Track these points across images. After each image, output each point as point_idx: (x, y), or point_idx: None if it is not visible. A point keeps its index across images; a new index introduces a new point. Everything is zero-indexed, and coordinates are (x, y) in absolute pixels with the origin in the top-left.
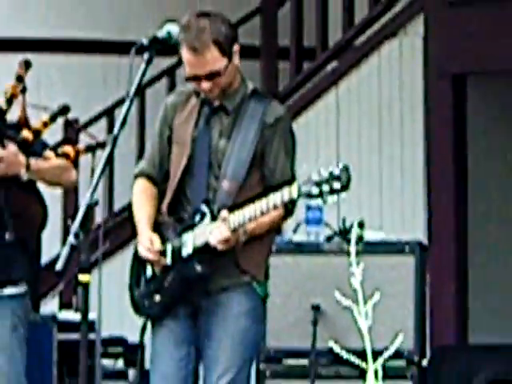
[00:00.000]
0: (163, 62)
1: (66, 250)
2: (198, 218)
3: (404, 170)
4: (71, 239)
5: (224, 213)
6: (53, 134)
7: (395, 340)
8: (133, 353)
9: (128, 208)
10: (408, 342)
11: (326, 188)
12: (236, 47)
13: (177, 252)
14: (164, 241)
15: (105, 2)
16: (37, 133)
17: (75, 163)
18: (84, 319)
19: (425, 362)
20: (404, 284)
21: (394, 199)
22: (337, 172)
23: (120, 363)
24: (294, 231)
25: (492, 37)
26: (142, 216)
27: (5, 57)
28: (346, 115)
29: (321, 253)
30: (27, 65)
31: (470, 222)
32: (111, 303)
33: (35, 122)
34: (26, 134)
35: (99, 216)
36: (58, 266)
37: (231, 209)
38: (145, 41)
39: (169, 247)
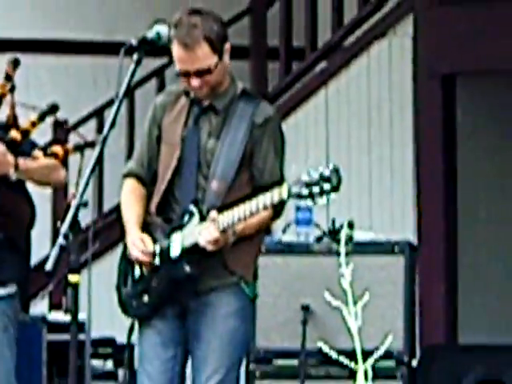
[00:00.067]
0: (152, 63)
1: (55, 251)
2: (186, 218)
3: (393, 171)
4: (61, 240)
5: (213, 213)
6: (42, 134)
7: (385, 340)
8: (122, 353)
9: (117, 209)
10: (398, 343)
11: (316, 189)
12: (227, 46)
13: (165, 252)
14: (153, 241)
15: (94, 3)
16: (25, 132)
17: (64, 163)
18: (74, 320)
19: (414, 363)
20: (393, 284)
21: (383, 200)
22: (327, 173)
23: (110, 364)
24: (284, 232)
25: (481, 37)
26: (131, 216)
27: None
28: (336, 116)
29: (310, 253)
30: (15, 63)
31: (459, 222)
32: (101, 304)
33: (24, 122)
34: (15, 133)
35: (89, 217)
36: (48, 266)
37: (220, 209)
38: (134, 41)
39: (157, 248)
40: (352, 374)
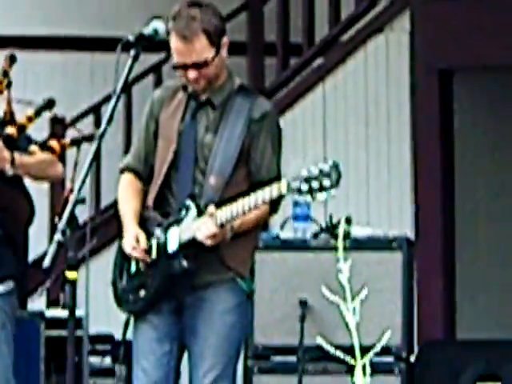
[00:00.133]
0: (150, 59)
1: (53, 247)
2: (183, 212)
3: (391, 166)
4: (58, 236)
5: (211, 208)
6: (40, 130)
7: (383, 336)
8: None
9: (115, 205)
10: (396, 338)
11: (315, 185)
12: (225, 39)
13: (162, 247)
14: (149, 236)
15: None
16: (21, 128)
17: (61, 157)
18: (71, 316)
19: (412, 358)
20: (391, 280)
21: (381, 195)
22: (327, 169)
23: (107, 360)
24: (282, 227)
25: (479, 32)
26: (128, 211)
27: None
28: (333, 111)
29: (308, 249)
30: (12, 59)
31: (457, 217)
32: (98, 300)
33: (20, 117)
34: (11, 129)
35: (86, 213)
36: (45, 263)
37: (218, 204)
38: (131, 37)
39: (154, 242)
40: (350, 370)
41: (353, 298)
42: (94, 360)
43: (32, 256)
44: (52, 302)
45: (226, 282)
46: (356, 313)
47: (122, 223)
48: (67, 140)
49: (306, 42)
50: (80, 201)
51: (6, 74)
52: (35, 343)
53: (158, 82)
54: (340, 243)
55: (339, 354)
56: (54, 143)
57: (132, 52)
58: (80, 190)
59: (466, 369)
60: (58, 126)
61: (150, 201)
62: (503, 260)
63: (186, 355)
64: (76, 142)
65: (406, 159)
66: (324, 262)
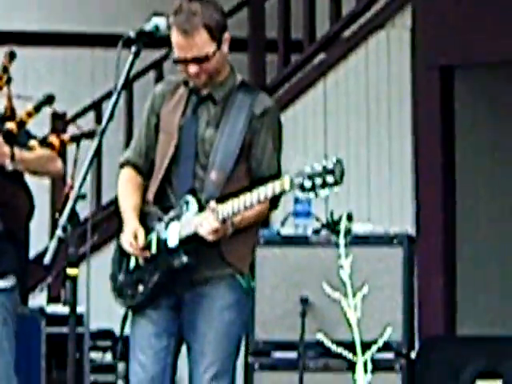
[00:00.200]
0: (151, 55)
1: (53, 244)
2: (184, 207)
3: (392, 162)
4: (59, 232)
5: (213, 203)
6: (40, 126)
7: (384, 332)
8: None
9: (115, 201)
10: (396, 334)
11: (318, 181)
12: (226, 35)
13: (162, 242)
14: (149, 230)
15: None
16: (21, 123)
17: (61, 153)
18: (72, 312)
19: (413, 354)
20: (392, 276)
21: (381, 191)
22: (330, 166)
23: (108, 356)
24: (282, 224)
25: (479, 29)
26: (128, 206)
27: None
28: (334, 107)
29: (309, 245)
30: (12, 56)
31: (458, 214)
32: (99, 297)
33: (20, 112)
34: (11, 124)
35: (87, 209)
36: (46, 259)
37: (219, 200)
38: (132, 34)
39: (154, 237)
40: (351, 366)
41: (354, 295)
42: (95, 356)
43: (33, 252)
44: (53, 299)
45: (225, 278)
46: (357, 309)
47: (122, 218)
48: (67, 136)
49: (307, 38)
50: (81, 197)
51: (5, 69)
52: (36, 340)
53: (159, 79)
54: (341, 240)
55: (340, 350)
56: (53, 139)
57: (133, 48)
58: (81, 186)
59: (466, 365)
60: (59, 122)
61: (151, 195)
62: (503, 256)
63: (185, 351)
64: (75, 139)
65: (407, 155)
66: (325, 259)
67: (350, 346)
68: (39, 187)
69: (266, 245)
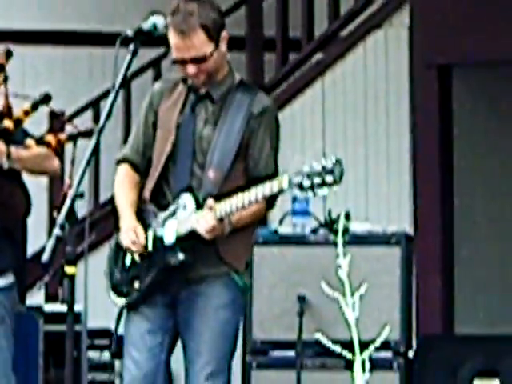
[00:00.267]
0: (149, 54)
1: (51, 242)
2: (181, 205)
3: (390, 162)
4: (57, 231)
5: (210, 201)
6: (38, 124)
7: (382, 331)
8: (119, 344)
9: (113, 200)
10: (394, 333)
11: (317, 181)
12: (224, 34)
13: (158, 239)
14: (145, 228)
15: None
16: (18, 121)
17: (59, 152)
18: (70, 311)
19: (411, 353)
20: (390, 275)
21: (379, 190)
22: (329, 165)
23: (106, 355)
24: (280, 222)
25: (477, 28)
26: (125, 203)
27: None
28: (332, 106)
29: (307, 244)
30: (8, 54)
31: (455, 213)
32: (97, 295)
33: (16, 111)
34: (7, 123)
35: (85, 208)
36: (44, 257)
37: (217, 198)
38: (130, 32)
39: (150, 234)
40: (348, 365)
41: (352, 294)
42: (93, 355)
43: (31, 250)
44: (51, 297)
45: (221, 277)
46: (355, 308)
47: (119, 215)
48: (63, 135)
49: (306, 37)
50: (79, 195)
51: (2, 68)
52: (34, 338)
53: (157, 77)
54: (340, 238)
55: (338, 349)
56: (50, 138)
57: (131, 47)
58: (79, 184)
59: (464, 364)
60: (56, 121)
61: (147, 193)
62: (502, 255)
63: (180, 349)
64: (72, 138)
65: (405, 155)
66: (323, 258)
67: (347, 345)
68: (37, 186)
69: (263, 244)
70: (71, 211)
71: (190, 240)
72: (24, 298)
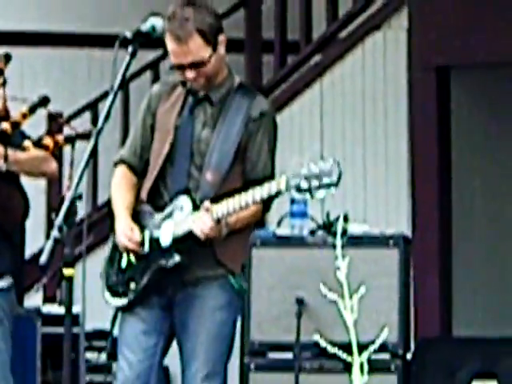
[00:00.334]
0: (147, 56)
1: (49, 244)
2: (178, 207)
3: (388, 163)
4: (55, 233)
5: (207, 203)
6: (36, 127)
7: (380, 333)
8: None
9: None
10: (392, 335)
11: (315, 183)
12: (222, 37)
13: (155, 240)
14: (142, 229)
15: None
16: (15, 124)
17: (56, 154)
18: (68, 313)
19: (409, 355)
20: (388, 277)
21: (378, 192)
22: (327, 167)
23: (104, 357)
24: (278, 224)
25: (475, 30)
26: (121, 204)
27: None
28: (330, 108)
29: (305, 246)
30: (7, 58)
31: (454, 214)
32: (95, 297)
33: (14, 114)
34: (5, 125)
35: (83, 210)
36: (42, 259)
37: (214, 200)
38: (128, 34)
39: (147, 235)
40: (347, 367)
41: (350, 296)
42: (91, 356)
43: (29, 252)
44: (48, 299)
45: (217, 279)
46: (354, 310)
47: (115, 216)
48: (61, 137)
49: (304, 39)
50: (77, 197)
51: (1, 72)
52: (32, 340)
53: (155, 79)
54: (338, 240)
55: (336, 351)
56: (47, 140)
57: (129, 49)
58: (77, 186)
59: (462, 366)
60: (55, 123)
61: (144, 194)
62: (499, 257)
63: (176, 351)
64: (70, 140)
65: (403, 156)
66: (321, 259)
67: (346, 347)
68: (35, 188)
69: (261, 245)
70: (69, 213)
71: (186, 241)
72: (22, 299)
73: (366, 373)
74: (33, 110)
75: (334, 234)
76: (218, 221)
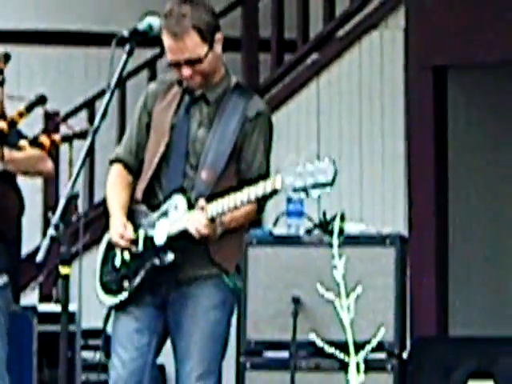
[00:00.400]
0: (144, 54)
1: (46, 242)
2: (173, 205)
3: (384, 162)
4: (51, 231)
5: (202, 201)
6: (33, 126)
7: (377, 332)
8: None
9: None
10: (388, 335)
11: (310, 182)
12: (218, 35)
13: (149, 239)
14: (136, 228)
15: None
16: (12, 123)
17: (54, 153)
18: (64, 311)
19: (405, 355)
20: (384, 277)
21: (374, 191)
22: (323, 166)
23: (99, 355)
24: (275, 223)
25: (473, 29)
26: (116, 203)
27: None
28: (327, 107)
29: (301, 245)
30: (6, 58)
31: (450, 214)
32: (91, 295)
33: (11, 113)
34: (1, 124)
35: (79, 208)
36: (38, 257)
37: (209, 199)
38: (125, 33)
39: (141, 234)
40: (343, 366)
41: (347, 295)
42: (87, 355)
43: (25, 250)
44: (45, 297)
45: (211, 278)
46: (350, 309)
47: (110, 214)
48: (57, 136)
49: (301, 38)
50: (73, 196)
51: (0, 72)
52: (28, 338)
53: (152, 77)
54: (335, 240)
55: (332, 350)
56: (43, 139)
57: (126, 47)
58: (73, 185)
59: (458, 365)
60: (51, 122)
61: (139, 193)
62: (496, 256)
63: (170, 350)
64: (67, 139)
65: (400, 155)
66: (317, 259)
67: (342, 346)
68: (32, 187)
69: (258, 244)
70: (66, 211)
71: (180, 240)
72: (18, 297)
73: (362, 372)
74: (30, 109)
75: (331, 233)
76: (213, 219)
